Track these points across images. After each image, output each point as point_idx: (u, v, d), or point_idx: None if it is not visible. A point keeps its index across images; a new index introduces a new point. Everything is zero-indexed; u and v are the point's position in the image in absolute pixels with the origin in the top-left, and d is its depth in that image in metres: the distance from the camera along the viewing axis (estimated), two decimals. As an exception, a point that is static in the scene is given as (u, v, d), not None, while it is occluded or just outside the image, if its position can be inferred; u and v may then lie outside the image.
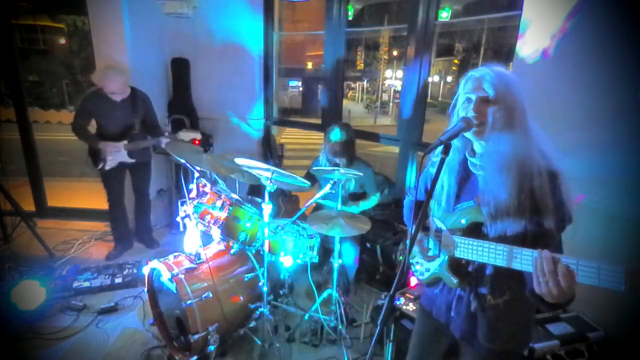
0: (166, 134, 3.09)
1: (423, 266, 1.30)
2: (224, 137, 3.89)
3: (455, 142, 1.14)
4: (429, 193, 1.05)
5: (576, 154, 1.87)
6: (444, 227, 1.18)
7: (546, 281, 0.86)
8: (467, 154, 1.16)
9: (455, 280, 1.16)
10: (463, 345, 1.27)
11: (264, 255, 2.12)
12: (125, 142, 2.94)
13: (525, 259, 0.92)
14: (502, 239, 1.02)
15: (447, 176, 1.18)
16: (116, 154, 2.93)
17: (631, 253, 1.75)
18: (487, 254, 1.00)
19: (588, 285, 0.81)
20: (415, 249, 1.28)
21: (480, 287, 1.14)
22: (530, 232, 1.02)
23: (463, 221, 1.12)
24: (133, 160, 3.01)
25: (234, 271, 2.24)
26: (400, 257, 2.51)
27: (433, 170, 1.23)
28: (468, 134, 1.08)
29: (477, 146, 1.12)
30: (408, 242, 1.07)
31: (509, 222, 1.02)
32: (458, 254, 1.11)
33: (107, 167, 2.94)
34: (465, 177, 1.17)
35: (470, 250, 1.06)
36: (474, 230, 1.10)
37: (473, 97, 1.06)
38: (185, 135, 2.99)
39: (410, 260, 1.33)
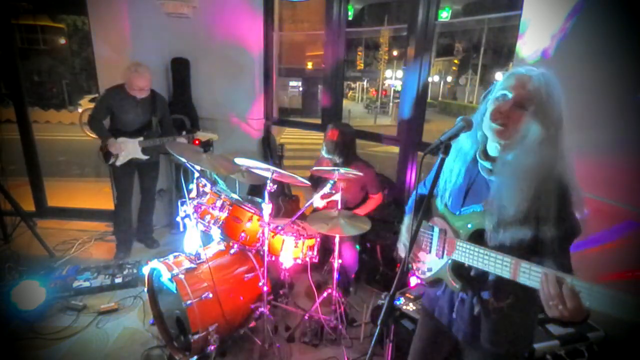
0: (184, 132, 3.14)
1: (425, 265, 1.28)
2: (224, 137, 3.88)
3: (469, 141, 1.12)
4: (429, 192, 1.04)
5: (576, 154, 1.87)
6: (449, 230, 1.16)
7: (555, 304, 0.84)
8: (477, 156, 1.12)
9: (457, 285, 1.14)
10: (465, 347, 1.25)
11: (264, 255, 2.12)
12: (141, 138, 2.99)
13: (533, 276, 0.90)
14: (502, 247, 1.00)
15: (458, 175, 1.15)
16: (129, 150, 2.96)
17: (631, 253, 1.75)
18: (494, 264, 0.98)
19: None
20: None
21: (483, 290, 1.13)
22: (530, 243, 0.99)
23: (469, 226, 1.10)
24: (146, 157, 3.05)
25: (234, 271, 2.24)
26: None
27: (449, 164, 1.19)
28: (488, 132, 1.04)
29: (492, 149, 1.08)
30: (405, 240, 1.05)
31: (510, 232, 1.00)
32: (462, 259, 1.09)
33: (118, 163, 2.97)
34: (474, 179, 1.14)
35: (475, 258, 1.04)
36: (478, 237, 1.08)
37: (509, 95, 0.99)
38: (203, 135, 3.11)
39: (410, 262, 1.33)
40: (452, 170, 1.17)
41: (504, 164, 1.02)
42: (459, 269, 1.15)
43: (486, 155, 1.10)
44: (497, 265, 0.97)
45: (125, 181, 3.13)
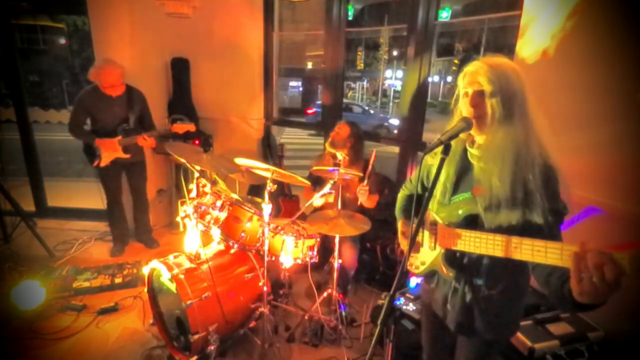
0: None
1: (418, 260, 1.31)
2: (224, 137, 3.89)
3: (454, 142, 1.14)
4: (429, 191, 1.05)
5: (576, 154, 1.87)
6: (440, 220, 1.18)
7: (589, 276, 0.73)
8: (467, 145, 1.16)
9: (451, 273, 1.18)
10: (459, 337, 1.31)
11: (264, 255, 2.12)
12: (120, 137, 2.94)
13: (525, 250, 0.89)
14: (498, 230, 1.02)
15: (446, 167, 1.17)
16: (111, 150, 2.93)
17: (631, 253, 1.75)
18: (485, 245, 0.99)
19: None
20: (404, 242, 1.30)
21: (475, 278, 1.16)
22: (524, 224, 1.02)
23: (460, 212, 1.12)
24: (128, 156, 3.00)
25: (234, 271, 2.24)
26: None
27: (431, 161, 1.24)
28: (471, 131, 1.08)
29: (478, 137, 1.13)
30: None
31: (504, 214, 1.03)
32: (459, 246, 1.10)
33: (102, 164, 2.94)
34: (463, 169, 1.18)
35: (471, 243, 1.05)
36: (471, 222, 1.10)
37: (469, 91, 1.07)
38: (181, 127, 2.90)
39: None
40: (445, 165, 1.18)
41: (480, 147, 1.11)
42: (452, 258, 1.18)
43: (474, 144, 1.15)
44: (488, 245, 0.99)
45: (112, 181, 3.11)
